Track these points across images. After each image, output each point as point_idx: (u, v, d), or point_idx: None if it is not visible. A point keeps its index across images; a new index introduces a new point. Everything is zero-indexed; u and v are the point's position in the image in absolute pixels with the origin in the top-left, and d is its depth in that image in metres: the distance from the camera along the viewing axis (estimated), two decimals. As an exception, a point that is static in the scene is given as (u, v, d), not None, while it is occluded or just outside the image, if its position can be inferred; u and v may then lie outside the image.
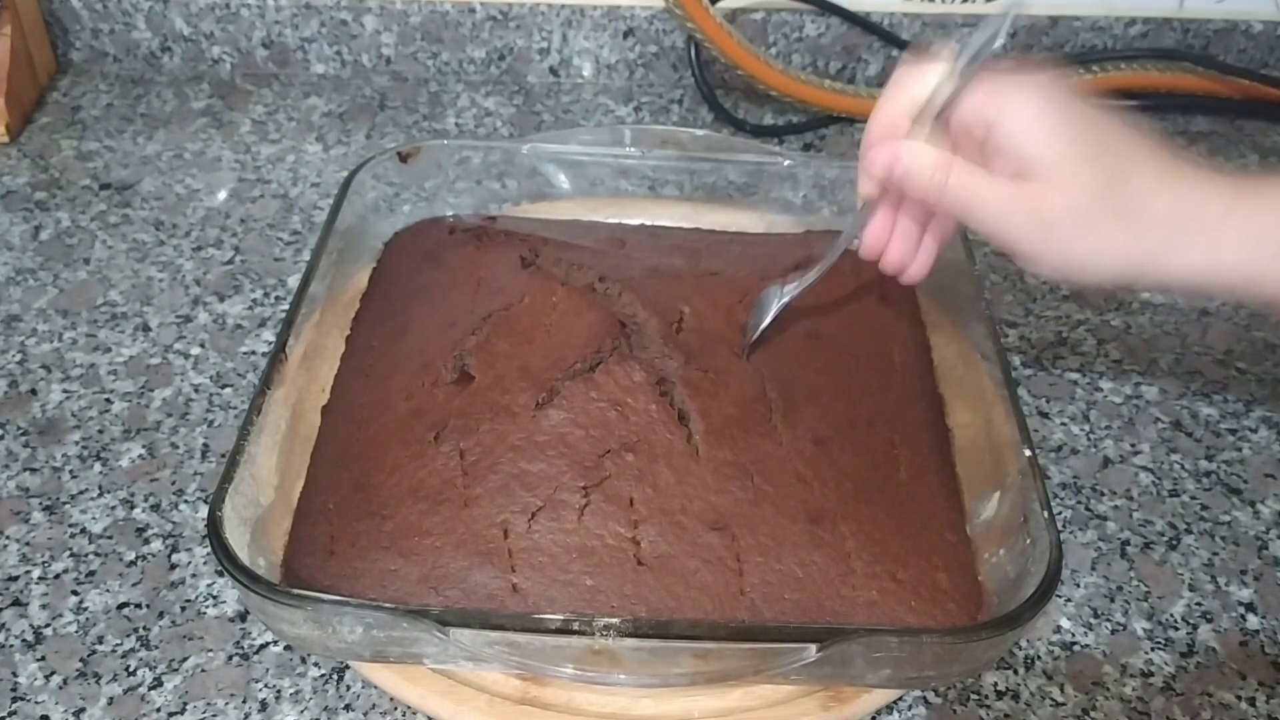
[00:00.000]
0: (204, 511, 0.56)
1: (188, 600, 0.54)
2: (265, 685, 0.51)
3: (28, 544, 0.57)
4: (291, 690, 0.51)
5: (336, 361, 0.60)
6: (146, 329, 0.69)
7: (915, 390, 0.59)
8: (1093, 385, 0.67)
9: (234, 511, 0.48)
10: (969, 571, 0.51)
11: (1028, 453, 0.51)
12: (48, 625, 0.53)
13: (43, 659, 0.52)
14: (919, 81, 0.48)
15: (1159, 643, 0.54)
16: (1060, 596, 0.56)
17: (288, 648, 0.53)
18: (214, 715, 0.50)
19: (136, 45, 0.92)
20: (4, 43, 0.83)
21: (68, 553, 0.56)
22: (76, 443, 0.62)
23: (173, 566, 0.56)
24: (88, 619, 0.53)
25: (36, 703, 0.50)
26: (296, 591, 0.45)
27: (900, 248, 0.53)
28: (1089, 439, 0.64)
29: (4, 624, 0.53)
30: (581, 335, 0.56)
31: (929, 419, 0.58)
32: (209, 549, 0.50)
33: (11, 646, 0.52)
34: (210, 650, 0.52)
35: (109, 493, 0.59)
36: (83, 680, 0.51)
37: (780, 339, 0.59)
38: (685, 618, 0.48)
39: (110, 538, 0.57)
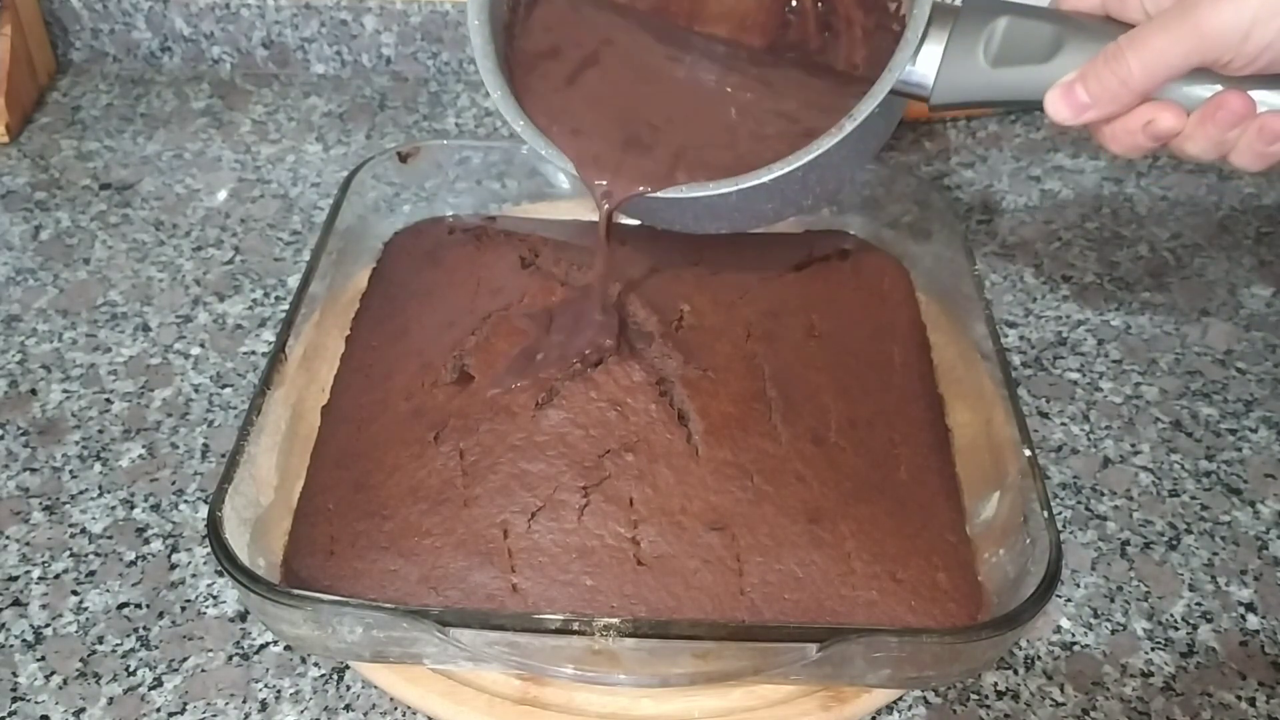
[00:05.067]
0: (204, 511, 0.57)
1: (188, 600, 0.54)
2: (265, 685, 0.51)
3: (28, 544, 0.57)
4: (291, 690, 0.51)
5: (336, 361, 0.60)
6: (146, 329, 0.69)
7: (915, 390, 0.59)
8: (1093, 385, 0.67)
9: (234, 511, 0.48)
10: (969, 571, 0.51)
11: (1028, 453, 0.51)
12: (48, 625, 0.53)
13: (43, 659, 0.52)
14: None
15: (1159, 643, 0.54)
16: (1060, 596, 0.56)
17: (288, 648, 0.53)
18: (214, 715, 0.50)
19: (136, 45, 0.92)
20: (4, 43, 0.83)
21: (68, 553, 0.56)
22: (76, 443, 0.62)
23: (173, 566, 0.56)
24: (88, 619, 0.53)
25: (36, 703, 0.50)
26: (296, 592, 0.45)
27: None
28: (1089, 439, 0.64)
29: (4, 624, 0.53)
30: (582, 335, 0.56)
31: (929, 419, 0.58)
32: (209, 549, 0.50)
33: (11, 646, 0.52)
34: (210, 650, 0.52)
35: (109, 493, 0.59)
36: (83, 680, 0.51)
37: (780, 338, 0.59)
38: (685, 618, 0.48)
39: (110, 538, 0.57)
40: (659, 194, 0.49)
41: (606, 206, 0.51)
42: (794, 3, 0.57)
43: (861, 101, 0.46)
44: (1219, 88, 0.43)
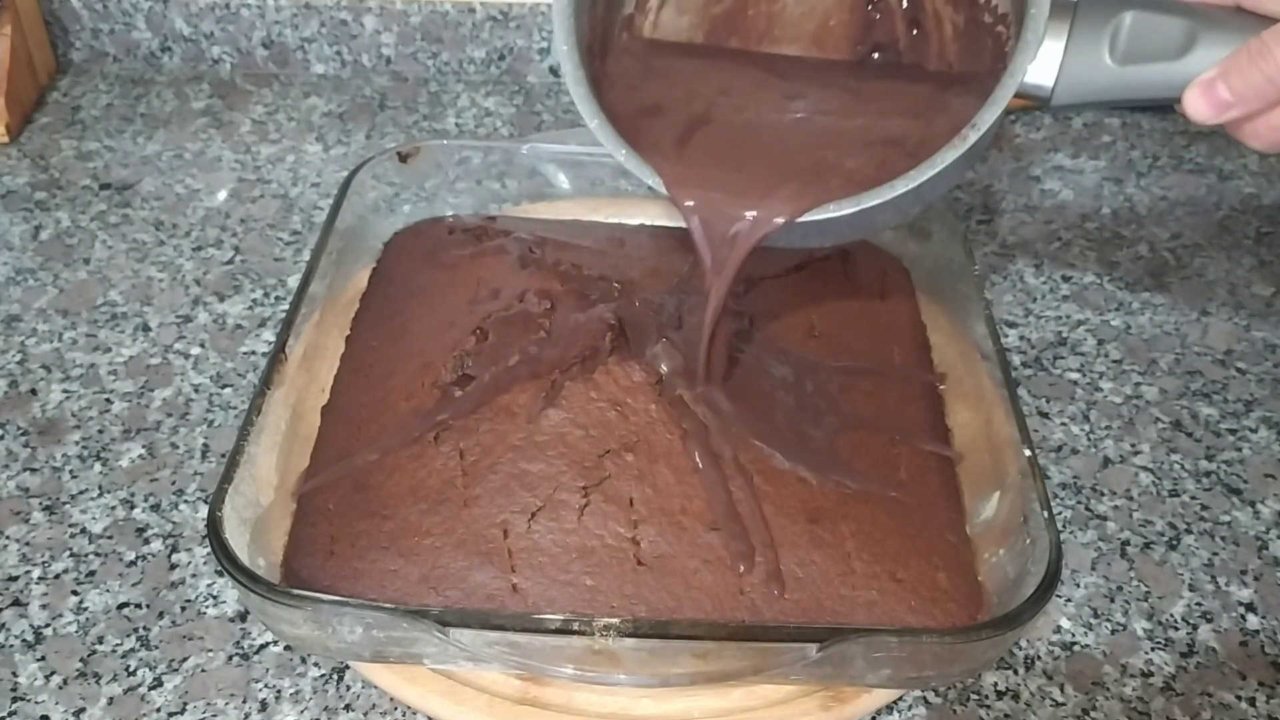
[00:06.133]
0: (204, 511, 0.57)
1: (188, 600, 0.54)
2: (265, 685, 0.51)
3: (28, 544, 0.57)
4: (291, 690, 0.51)
5: (336, 361, 0.60)
6: (146, 329, 0.69)
7: (915, 390, 0.59)
8: (1093, 385, 0.67)
9: (234, 511, 0.48)
10: (969, 571, 0.51)
11: (1028, 453, 0.51)
12: (48, 625, 0.53)
13: (43, 659, 0.52)
14: None
15: (1159, 643, 0.54)
16: (1060, 596, 0.56)
17: (288, 648, 0.53)
18: (214, 715, 0.50)
19: (136, 45, 0.92)
20: (4, 43, 0.83)
21: (68, 553, 0.56)
22: (76, 443, 0.62)
23: (173, 566, 0.56)
24: (88, 619, 0.53)
25: (36, 703, 0.50)
26: (296, 592, 0.45)
27: None
28: (1089, 439, 0.64)
29: (4, 624, 0.53)
30: (581, 335, 0.56)
31: (929, 419, 0.58)
32: (209, 549, 0.50)
33: (11, 646, 0.52)
34: (210, 650, 0.52)
35: (109, 493, 0.59)
36: (83, 680, 0.51)
37: (780, 338, 0.59)
38: (685, 618, 0.48)
39: (110, 538, 0.57)
40: (787, 223, 0.47)
41: (738, 248, 0.48)
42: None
43: (983, 110, 0.44)
44: None
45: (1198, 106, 0.43)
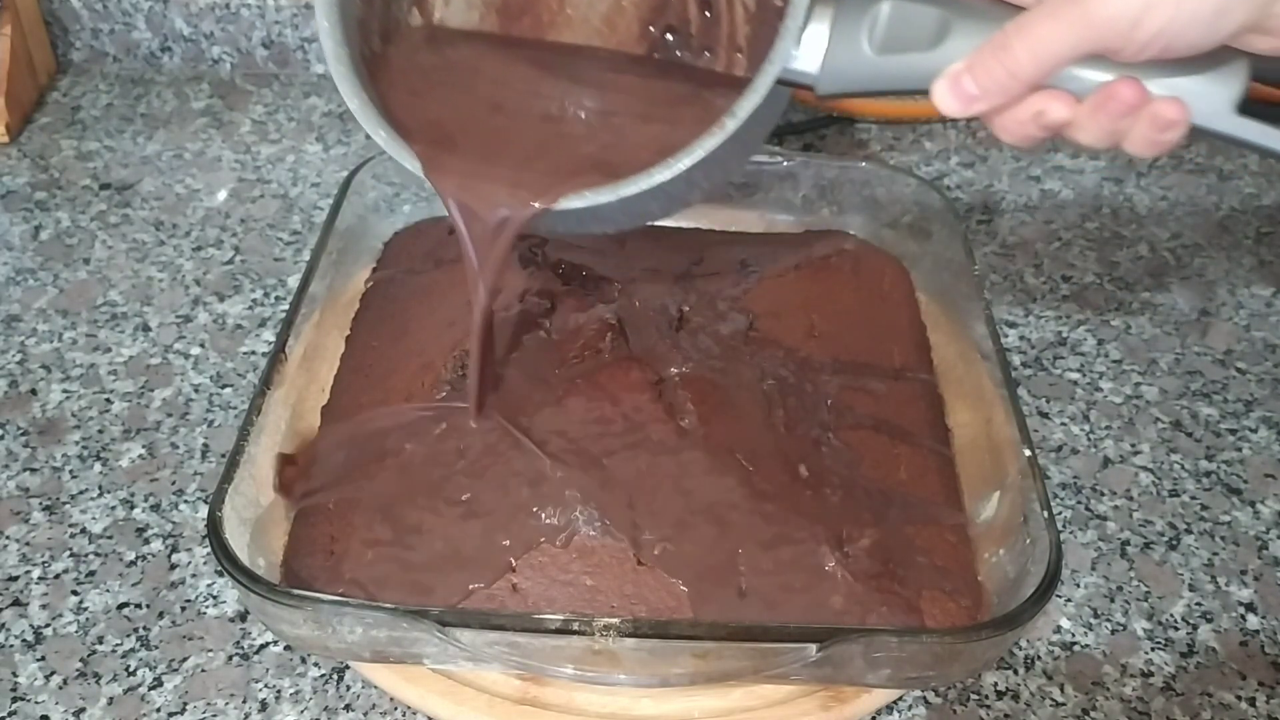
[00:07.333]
0: (204, 511, 0.57)
1: (188, 600, 0.54)
2: (265, 685, 0.51)
3: (28, 544, 0.57)
4: (291, 690, 0.51)
5: (336, 361, 0.60)
6: (146, 329, 0.69)
7: (915, 390, 0.59)
8: (1093, 385, 0.67)
9: (234, 511, 0.48)
10: (969, 571, 0.51)
11: (1028, 453, 0.51)
12: (48, 625, 0.53)
13: (43, 659, 0.52)
14: None
15: (1159, 643, 0.54)
16: (1060, 596, 0.56)
17: (288, 648, 0.53)
18: (214, 715, 0.50)
19: (136, 45, 0.92)
20: (4, 43, 0.83)
21: (68, 553, 0.56)
22: (76, 443, 0.62)
23: (173, 566, 0.56)
24: (88, 619, 0.53)
25: (36, 703, 0.50)
26: (296, 592, 0.45)
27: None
28: (1089, 439, 0.64)
29: (4, 624, 0.53)
30: (581, 335, 0.56)
31: (929, 419, 0.58)
32: (209, 549, 0.50)
33: (11, 646, 0.52)
34: (210, 650, 0.52)
35: (109, 493, 0.59)
36: (83, 680, 0.51)
37: (780, 338, 0.59)
38: (685, 618, 0.48)
39: (110, 538, 0.57)
40: (545, 209, 0.46)
41: (505, 233, 0.47)
42: None
43: (742, 98, 0.44)
44: (1111, 76, 0.41)
45: (945, 99, 0.42)
